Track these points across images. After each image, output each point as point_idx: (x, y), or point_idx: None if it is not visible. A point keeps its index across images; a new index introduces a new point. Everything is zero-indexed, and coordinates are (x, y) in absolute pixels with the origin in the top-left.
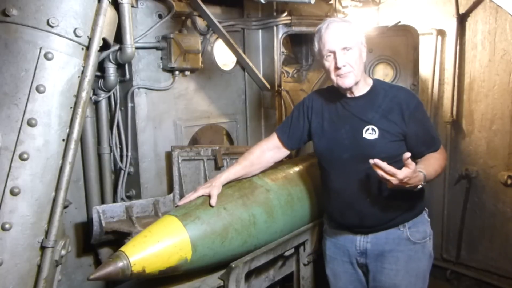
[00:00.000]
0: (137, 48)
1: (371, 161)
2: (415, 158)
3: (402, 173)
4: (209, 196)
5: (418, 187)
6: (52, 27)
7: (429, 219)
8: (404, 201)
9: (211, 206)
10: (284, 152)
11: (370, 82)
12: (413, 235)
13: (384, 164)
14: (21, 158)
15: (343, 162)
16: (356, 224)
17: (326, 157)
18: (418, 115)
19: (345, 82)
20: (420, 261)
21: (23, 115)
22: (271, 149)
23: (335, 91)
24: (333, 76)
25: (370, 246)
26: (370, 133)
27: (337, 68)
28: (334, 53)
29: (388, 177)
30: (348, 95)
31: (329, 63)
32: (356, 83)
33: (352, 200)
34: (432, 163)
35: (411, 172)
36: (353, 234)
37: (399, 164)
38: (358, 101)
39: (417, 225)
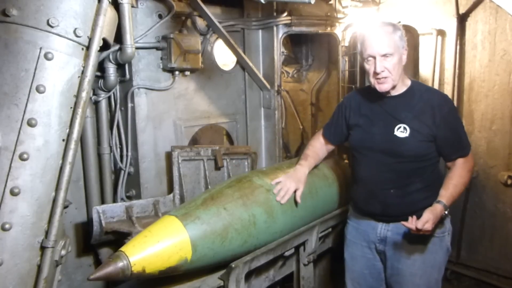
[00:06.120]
0: (137, 48)
1: (403, 223)
2: (443, 159)
3: (424, 224)
4: (295, 192)
5: (445, 213)
6: (52, 27)
7: (449, 216)
8: (426, 197)
9: (296, 201)
10: (330, 147)
11: (408, 83)
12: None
13: (410, 225)
14: (21, 158)
15: (373, 154)
16: (379, 213)
17: (358, 148)
18: (450, 120)
19: (382, 87)
20: (437, 253)
21: (23, 115)
22: (322, 144)
23: (373, 90)
24: (372, 79)
25: (390, 234)
26: (402, 131)
27: (376, 73)
28: (375, 58)
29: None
30: (385, 94)
31: (369, 67)
32: (394, 87)
33: (377, 190)
34: (454, 184)
35: (423, 222)
36: (375, 221)
37: (425, 162)
38: (393, 100)
39: None
